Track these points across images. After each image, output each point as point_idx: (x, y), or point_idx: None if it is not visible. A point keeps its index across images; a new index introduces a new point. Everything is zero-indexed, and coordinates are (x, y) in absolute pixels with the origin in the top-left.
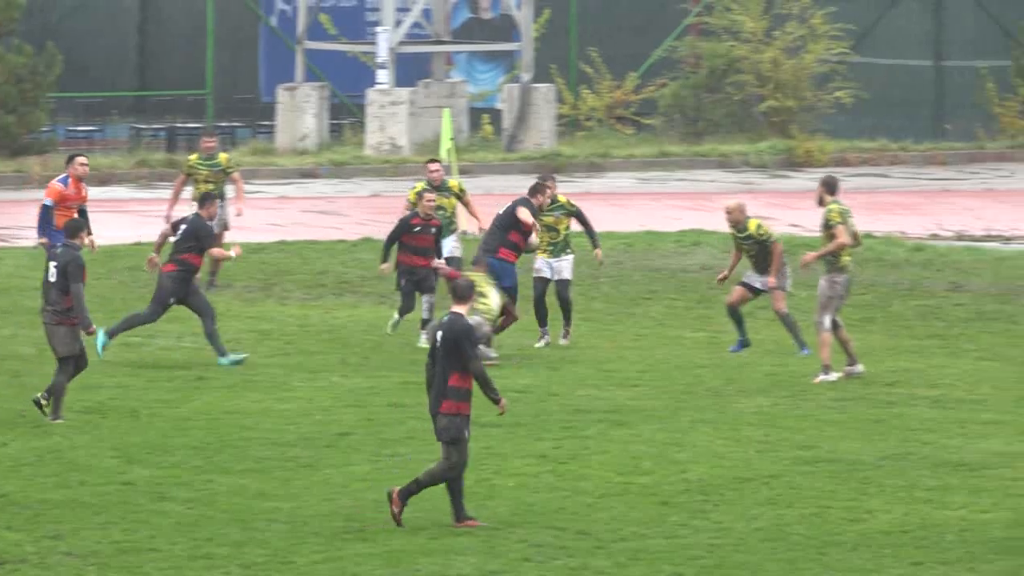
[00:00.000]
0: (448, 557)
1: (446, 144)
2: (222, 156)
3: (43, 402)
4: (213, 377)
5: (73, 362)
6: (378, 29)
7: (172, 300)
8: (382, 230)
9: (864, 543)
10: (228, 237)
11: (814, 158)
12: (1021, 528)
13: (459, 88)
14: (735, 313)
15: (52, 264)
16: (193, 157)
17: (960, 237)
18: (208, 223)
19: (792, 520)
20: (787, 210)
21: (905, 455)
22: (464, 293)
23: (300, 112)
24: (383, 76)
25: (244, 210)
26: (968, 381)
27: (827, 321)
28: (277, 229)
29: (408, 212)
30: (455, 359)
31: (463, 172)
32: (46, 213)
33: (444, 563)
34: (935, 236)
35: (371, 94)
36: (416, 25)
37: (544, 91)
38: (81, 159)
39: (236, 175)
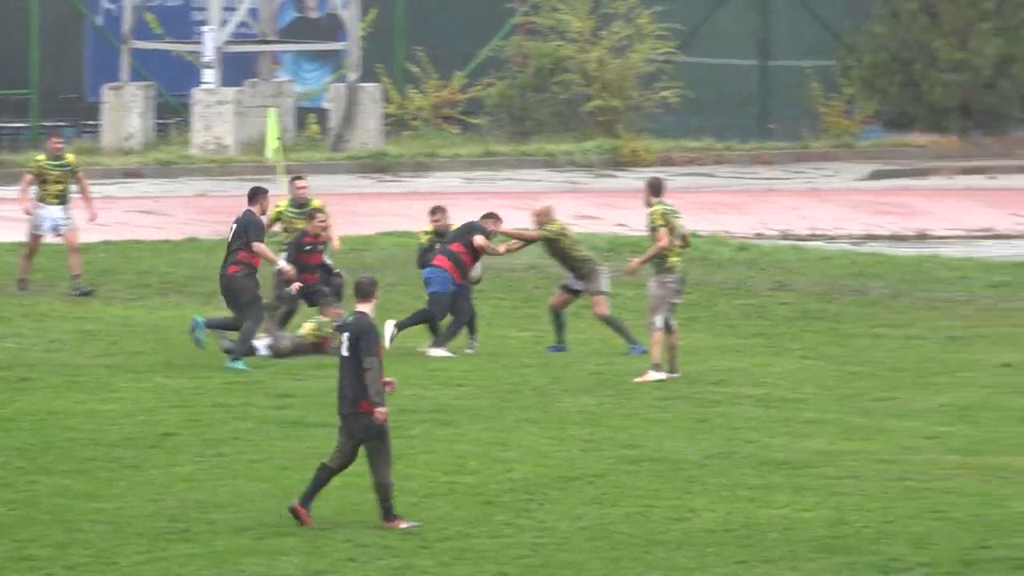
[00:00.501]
0: (273, 557)
1: (272, 144)
2: (69, 156)
3: None
4: (37, 378)
5: None
6: (204, 28)
7: (257, 291)
8: (208, 230)
9: (688, 542)
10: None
11: (640, 158)
12: (843, 526)
13: (286, 87)
14: (558, 316)
15: None
16: (41, 158)
17: (785, 236)
18: (260, 218)
19: (616, 519)
20: (613, 210)
21: (729, 454)
22: (367, 290)
23: (126, 111)
24: (209, 75)
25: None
26: (792, 380)
27: (659, 321)
28: (102, 229)
29: (297, 232)
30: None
31: (290, 172)
32: None
33: (268, 563)
34: (760, 235)
35: (197, 93)
36: (242, 24)
37: (371, 90)
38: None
39: (81, 174)
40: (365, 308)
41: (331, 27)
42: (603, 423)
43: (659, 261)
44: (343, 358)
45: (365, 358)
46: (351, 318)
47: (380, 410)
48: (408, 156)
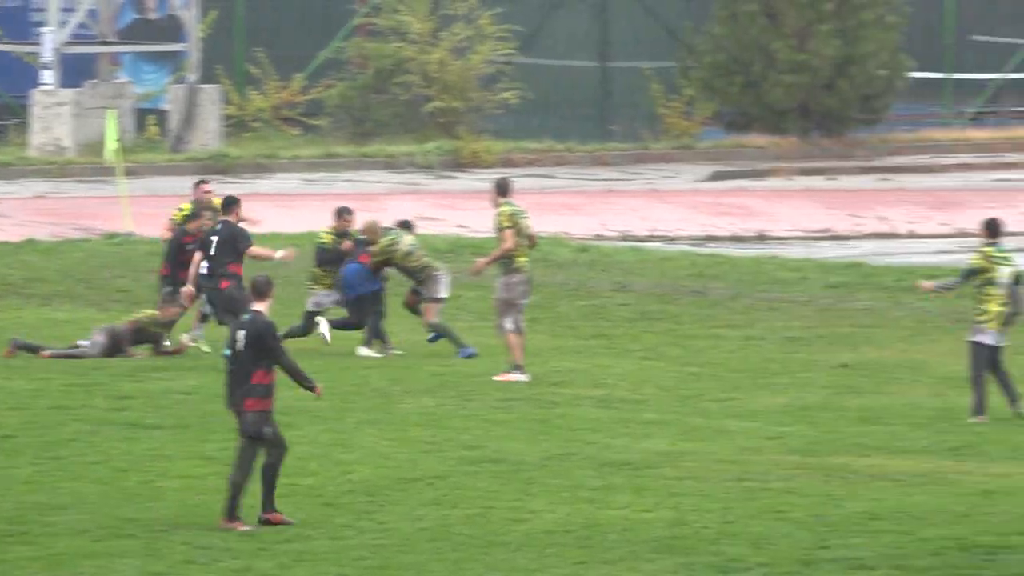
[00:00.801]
0: (111, 560)
1: (111, 145)
2: None
3: None
4: None
5: None
6: (43, 29)
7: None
8: (46, 231)
9: (528, 543)
10: None
11: (481, 159)
12: (683, 527)
13: (125, 89)
14: (437, 327)
15: None
16: None
17: (625, 237)
18: (240, 226)
19: (457, 520)
20: (454, 211)
21: (569, 455)
22: (263, 289)
23: None
24: (48, 76)
25: None
26: (632, 381)
27: (508, 323)
28: None
29: (175, 232)
30: (259, 357)
31: (129, 173)
32: None
33: (107, 566)
34: (600, 236)
35: (36, 95)
36: (81, 25)
37: (210, 92)
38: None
39: None
40: (261, 307)
41: (171, 28)
42: (444, 424)
43: (506, 262)
44: (235, 354)
45: (278, 357)
46: (247, 317)
47: (320, 385)
48: (248, 157)
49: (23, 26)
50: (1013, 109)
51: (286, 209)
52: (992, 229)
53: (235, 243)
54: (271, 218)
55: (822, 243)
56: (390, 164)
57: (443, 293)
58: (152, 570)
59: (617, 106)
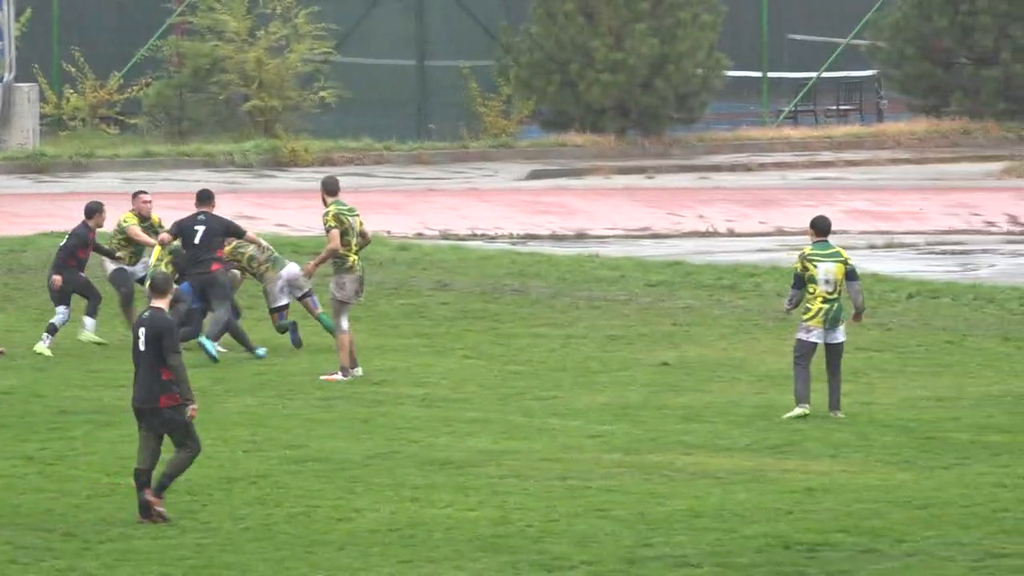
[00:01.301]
0: None
1: None
2: None
3: None
4: None
5: None
6: None
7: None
8: None
9: (352, 542)
10: None
11: (300, 158)
12: (507, 525)
13: None
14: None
15: None
16: None
17: (445, 236)
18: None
19: (280, 519)
20: (273, 210)
21: (392, 453)
22: (162, 287)
23: None
24: None
25: None
26: (454, 380)
27: (344, 324)
28: None
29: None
30: (162, 354)
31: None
32: None
33: None
34: (420, 235)
35: None
36: None
37: (27, 90)
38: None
39: None
40: (161, 304)
41: None
42: (266, 423)
43: (339, 262)
44: (139, 353)
45: (169, 355)
46: (147, 314)
47: (192, 407)
48: (66, 156)
49: None
50: (828, 108)
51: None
52: (818, 227)
53: (228, 231)
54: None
55: (642, 242)
56: (209, 163)
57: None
58: None
59: (435, 105)
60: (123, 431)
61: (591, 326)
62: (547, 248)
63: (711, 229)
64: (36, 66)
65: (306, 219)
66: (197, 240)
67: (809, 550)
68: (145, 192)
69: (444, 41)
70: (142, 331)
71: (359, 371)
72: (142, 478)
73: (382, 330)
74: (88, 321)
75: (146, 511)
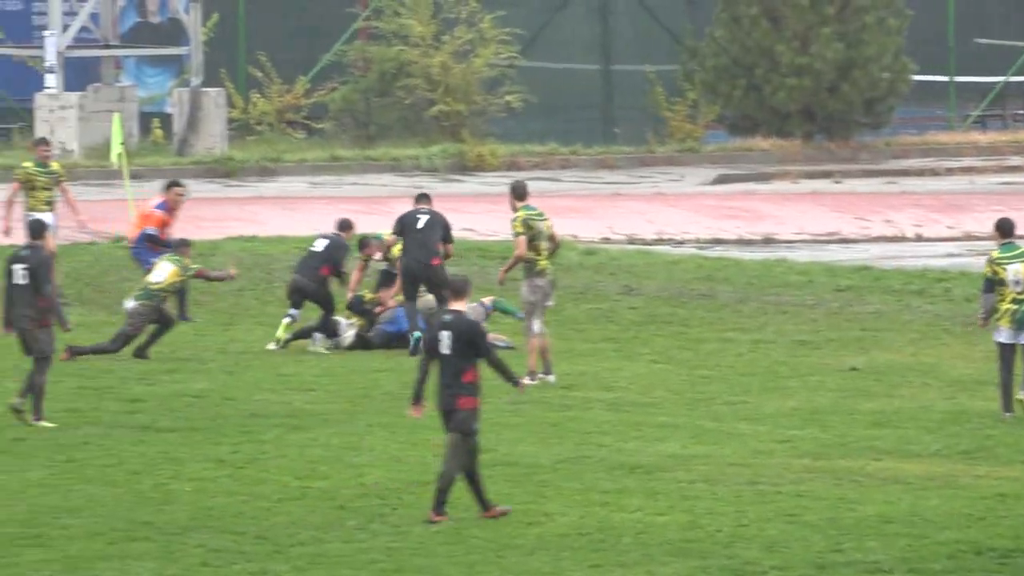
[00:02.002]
0: (126, 563)
1: (116, 149)
2: (55, 164)
3: (39, 424)
4: None
5: (50, 361)
6: (45, 33)
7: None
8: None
9: (542, 546)
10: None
11: (486, 162)
12: (696, 530)
13: (129, 92)
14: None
15: (20, 267)
16: (28, 165)
17: (632, 240)
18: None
19: (470, 523)
20: (459, 214)
21: (581, 458)
22: (461, 289)
23: None
24: (51, 80)
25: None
26: (642, 384)
27: (536, 326)
28: None
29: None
30: (468, 355)
31: (135, 177)
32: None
33: (122, 568)
34: (607, 240)
35: (40, 98)
36: (84, 29)
37: (214, 95)
38: (178, 188)
39: (66, 185)
40: (460, 306)
41: (174, 31)
42: None
43: (529, 266)
44: (444, 356)
45: (486, 354)
46: (450, 317)
47: (523, 381)
48: (253, 161)
49: (26, 30)
50: (1017, 112)
51: (291, 212)
52: (1003, 229)
53: (445, 228)
54: (277, 222)
55: (829, 246)
56: (395, 167)
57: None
58: (167, 573)
59: (620, 109)
60: (312, 435)
61: (779, 331)
62: (734, 253)
63: (899, 234)
64: (223, 71)
65: (492, 223)
66: (420, 226)
67: (1002, 556)
68: (180, 184)
69: (629, 45)
70: (446, 334)
71: (552, 378)
72: (468, 481)
73: (570, 334)
74: (318, 336)
75: (487, 509)
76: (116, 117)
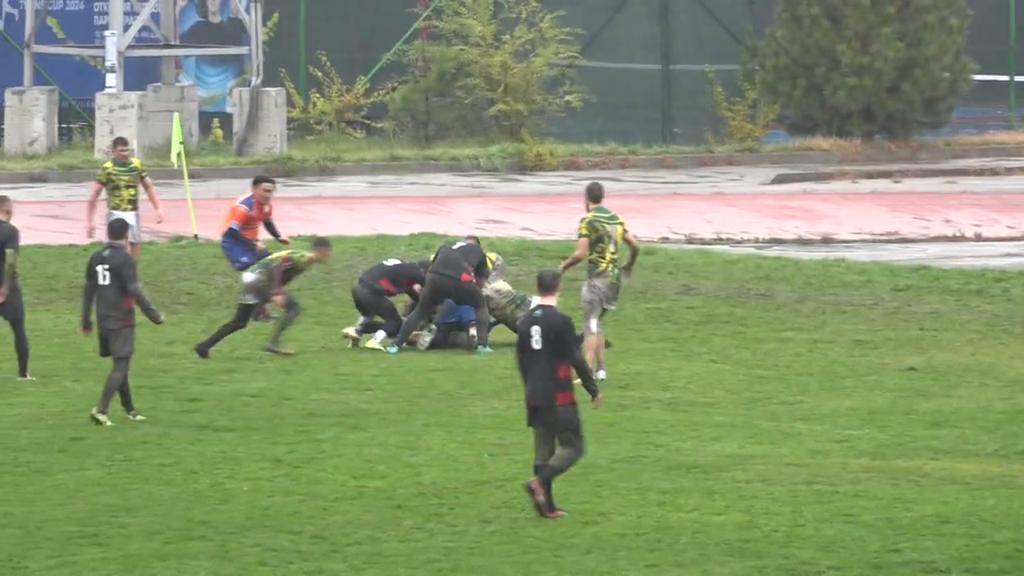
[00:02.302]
0: (183, 562)
1: (176, 148)
2: (135, 161)
3: (100, 417)
4: None
5: (128, 362)
6: (106, 33)
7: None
8: None
9: (598, 545)
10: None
11: (545, 162)
12: (753, 530)
13: (189, 92)
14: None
15: (103, 268)
16: (108, 165)
17: (690, 240)
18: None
19: (527, 523)
20: (518, 214)
21: (638, 457)
22: (551, 283)
23: (29, 116)
24: (112, 80)
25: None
26: (700, 384)
27: (593, 325)
28: None
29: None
30: (560, 351)
31: (193, 176)
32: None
33: (179, 567)
34: (666, 239)
35: (100, 98)
36: (145, 29)
37: (274, 95)
38: (266, 184)
39: (148, 179)
40: (550, 301)
41: (234, 31)
42: (512, 427)
43: (592, 266)
44: (534, 352)
45: (572, 353)
46: (539, 312)
47: (599, 396)
48: (312, 160)
49: (87, 29)
50: None
51: (350, 212)
52: None
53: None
54: (336, 221)
55: (888, 246)
56: (455, 167)
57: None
58: (224, 572)
59: (680, 109)
60: (369, 434)
61: (837, 331)
62: (793, 252)
63: (958, 233)
64: (283, 70)
65: (551, 223)
66: (455, 247)
67: None
68: (270, 181)
69: (689, 45)
70: (536, 329)
71: (602, 374)
72: (545, 472)
73: (628, 334)
74: (380, 333)
75: (544, 507)
76: (176, 117)
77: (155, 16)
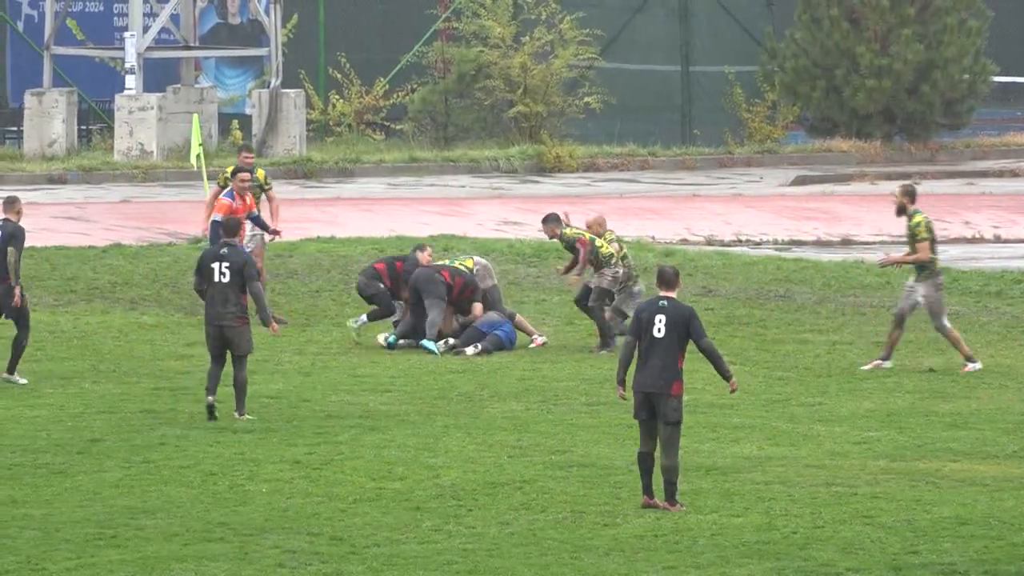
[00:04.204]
0: (201, 563)
1: (195, 150)
2: (259, 172)
3: (247, 418)
4: None
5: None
6: (126, 34)
7: None
8: (132, 236)
9: (617, 547)
10: None
11: (564, 163)
12: (772, 531)
13: (208, 93)
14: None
15: (222, 265)
16: (230, 169)
17: (709, 242)
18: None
19: (545, 525)
20: (538, 215)
21: (657, 459)
22: (671, 279)
23: (48, 117)
24: (131, 81)
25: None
26: (719, 386)
27: (946, 320)
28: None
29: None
30: (683, 341)
31: (213, 178)
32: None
33: (198, 569)
34: (685, 241)
35: (120, 99)
36: (164, 30)
37: (293, 96)
38: (242, 174)
39: (272, 191)
40: (672, 294)
41: (253, 33)
42: (531, 429)
43: (929, 265)
44: (654, 340)
45: (701, 340)
46: (665, 303)
47: (734, 380)
48: (332, 162)
49: (106, 31)
50: None
51: (370, 213)
52: None
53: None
54: (355, 222)
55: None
56: (474, 168)
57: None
58: (243, 574)
59: (700, 110)
60: (388, 436)
61: (857, 332)
62: (812, 254)
63: (977, 235)
64: (302, 72)
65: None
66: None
67: None
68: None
69: (708, 46)
70: (660, 318)
71: (978, 363)
72: (647, 462)
73: None
74: (363, 317)
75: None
76: (195, 118)
77: (175, 17)
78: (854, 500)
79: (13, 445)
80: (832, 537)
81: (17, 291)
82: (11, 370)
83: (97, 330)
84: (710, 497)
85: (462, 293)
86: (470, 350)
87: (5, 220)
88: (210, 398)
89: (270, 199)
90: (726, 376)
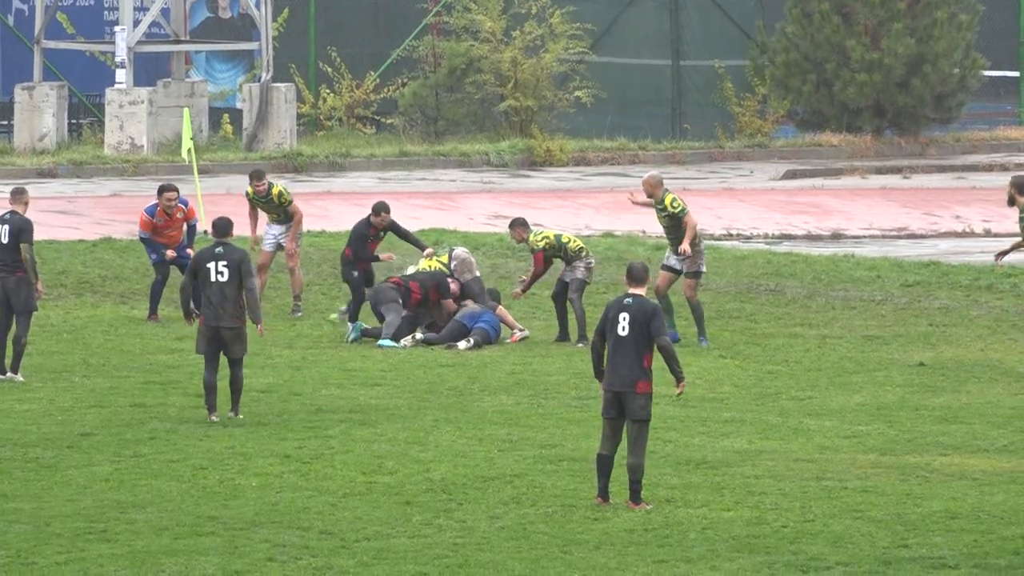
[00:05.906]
0: (191, 557)
1: (186, 144)
2: (274, 191)
3: (240, 417)
4: None
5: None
6: (116, 28)
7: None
8: (122, 230)
9: (607, 541)
10: None
11: (555, 157)
12: (762, 525)
13: (199, 87)
14: (663, 301)
15: (219, 264)
16: (249, 191)
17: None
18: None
19: (536, 519)
20: (529, 209)
21: (647, 453)
22: (640, 275)
23: (38, 111)
24: (122, 75)
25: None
26: (709, 379)
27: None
28: None
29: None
30: (647, 339)
31: (203, 172)
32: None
33: (188, 563)
34: None
35: (110, 93)
36: (155, 24)
37: (284, 90)
38: (168, 194)
39: (295, 206)
40: (641, 291)
41: (244, 27)
42: (521, 423)
43: None
44: (619, 338)
45: (659, 337)
46: (629, 300)
47: (683, 382)
48: (322, 156)
49: (97, 25)
50: None
51: (360, 207)
52: None
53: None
54: (346, 216)
55: (898, 242)
56: (464, 163)
57: (703, 267)
58: (233, 568)
59: (690, 104)
60: (378, 430)
61: (847, 326)
62: (803, 248)
63: (968, 229)
64: (293, 66)
65: (561, 219)
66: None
67: None
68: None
69: (699, 40)
70: (624, 316)
71: None
72: (606, 464)
73: None
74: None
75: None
76: (186, 112)
77: (165, 12)
78: (844, 494)
79: (3, 439)
80: (822, 531)
81: (39, 285)
82: (15, 369)
83: (87, 324)
84: (700, 491)
85: (427, 295)
86: (462, 344)
87: (12, 212)
88: (213, 417)
89: (292, 213)
90: (678, 377)
